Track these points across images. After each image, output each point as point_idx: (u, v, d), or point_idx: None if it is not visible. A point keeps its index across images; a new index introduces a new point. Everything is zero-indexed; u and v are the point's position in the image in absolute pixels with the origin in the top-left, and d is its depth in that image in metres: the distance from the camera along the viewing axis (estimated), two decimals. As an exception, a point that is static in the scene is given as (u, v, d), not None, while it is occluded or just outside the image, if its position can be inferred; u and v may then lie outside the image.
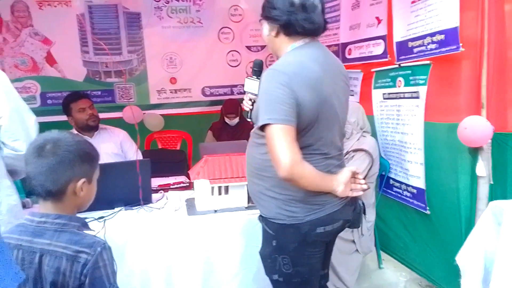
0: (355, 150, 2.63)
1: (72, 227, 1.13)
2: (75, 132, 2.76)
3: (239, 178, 1.98)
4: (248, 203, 2.02)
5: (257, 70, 1.68)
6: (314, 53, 1.46)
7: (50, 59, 3.72)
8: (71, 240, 1.10)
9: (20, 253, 1.10)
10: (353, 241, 2.59)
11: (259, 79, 1.61)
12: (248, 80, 1.69)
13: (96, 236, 1.18)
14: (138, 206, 2.07)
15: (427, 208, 2.40)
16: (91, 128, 2.75)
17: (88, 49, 3.80)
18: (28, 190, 1.15)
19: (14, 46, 3.62)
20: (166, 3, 3.92)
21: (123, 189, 2.07)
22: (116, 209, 2.05)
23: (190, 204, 2.08)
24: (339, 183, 1.46)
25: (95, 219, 1.94)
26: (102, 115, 3.32)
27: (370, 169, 2.59)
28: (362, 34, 2.94)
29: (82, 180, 1.14)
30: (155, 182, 3.34)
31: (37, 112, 3.76)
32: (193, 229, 1.91)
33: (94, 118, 2.76)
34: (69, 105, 2.73)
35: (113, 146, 2.84)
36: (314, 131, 1.43)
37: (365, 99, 2.95)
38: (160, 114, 3.97)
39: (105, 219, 1.91)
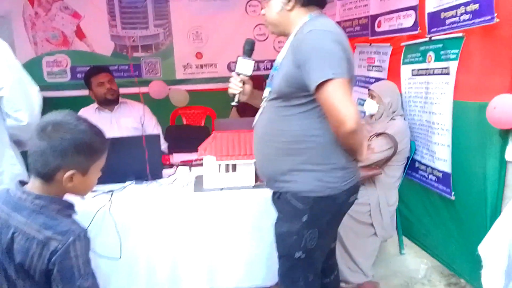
0: (378, 134, 2.50)
1: (51, 210, 1.09)
2: (96, 106, 2.80)
3: (247, 155, 1.92)
4: (255, 181, 1.97)
5: (250, 49, 1.63)
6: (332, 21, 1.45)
7: (80, 33, 3.78)
8: (45, 224, 1.06)
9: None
10: (371, 225, 2.49)
11: (252, 59, 1.62)
12: (241, 60, 1.60)
13: (75, 223, 1.13)
14: (147, 181, 2.08)
15: (452, 193, 2.24)
16: (110, 102, 2.77)
17: (116, 23, 3.81)
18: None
19: (46, 20, 3.70)
20: (194, -25, 3.84)
21: (134, 163, 2.08)
22: (126, 183, 2.07)
23: (199, 181, 2.06)
24: (365, 144, 1.49)
25: (104, 192, 1.96)
26: (128, 90, 3.36)
27: (393, 154, 2.45)
28: (392, 4, 2.73)
29: (71, 171, 1.09)
30: (178, 158, 3.35)
31: (68, 86, 3.89)
32: (198, 206, 1.89)
33: (112, 92, 2.76)
34: (89, 79, 2.76)
35: (133, 121, 2.85)
36: None
37: (394, 76, 2.78)
38: (186, 90, 3.96)
39: (112, 193, 1.93)
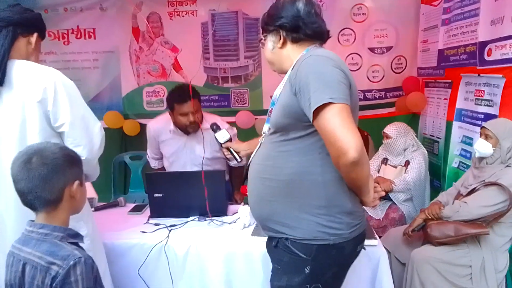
0: (488, 184, 2.07)
1: (54, 238, 1.11)
2: (172, 127, 2.58)
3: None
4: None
5: (216, 127, 1.95)
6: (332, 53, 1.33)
7: (177, 66, 4.00)
8: (47, 251, 1.08)
9: (13, 260, 1.13)
10: (471, 291, 2.05)
11: (222, 129, 1.94)
12: (217, 135, 1.90)
13: (78, 249, 1.13)
14: (208, 219, 2.00)
15: None
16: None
17: (209, 56, 3.95)
18: (26, 205, 1.15)
19: (148, 54, 4.00)
20: (285, 6, 3.81)
21: (199, 199, 2.02)
22: (190, 218, 2.02)
23: (260, 223, 1.91)
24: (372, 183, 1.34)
25: (166, 226, 1.94)
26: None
27: (507, 210, 2.00)
28: (506, 30, 2.30)
29: (77, 182, 1.16)
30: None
31: (163, 114, 4.07)
32: (255, 252, 1.74)
33: (194, 125, 2.47)
34: (173, 104, 2.50)
35: (208, 149, 2.43)
36: None
37: (507, 112, 2.32)
38: (272, 120, 3.89)
39: (171, 229, 1.89)
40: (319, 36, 1.40)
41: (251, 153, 1.83)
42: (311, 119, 1.20)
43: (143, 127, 4.10)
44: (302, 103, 1.22)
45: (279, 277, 1.36)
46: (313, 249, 1.28)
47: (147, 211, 2.16)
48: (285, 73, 1.41)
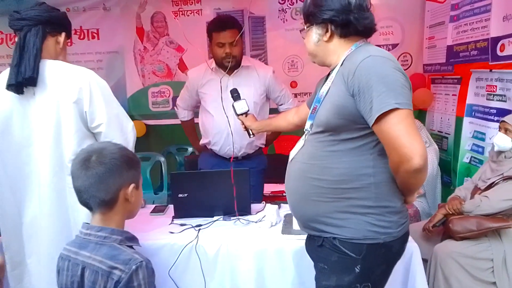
0: (507, 178, 2.11)
1: (113, 241, 1.10)
2: (213, 65, 2.39)
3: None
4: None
5: (237, 95, 1.96)
6: None
7: (182, 66, 3.97)
8: (107, 255, 1.06)
9: (70, 264, 1.11)
10: (494, 284, 2.08)
11: (243, 99, 1.95)
12: (236, 104, 1.90)
13: (137, 253, 1.12)
14: (235, 218, 1.99)
15: None
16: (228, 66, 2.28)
17: (214, 55, 3.93)
18: (82, 204, 1.14)
19: (153, 54, 3.96)
20: (291, 4, 3.82)
21: (224, 198, 2.01)
22: (215, 218, 2.01)
23: (288, 221, 1.91)
24: None
25: (192, 226, 1.92)
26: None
27: None
28: (519, 24, 2.34)
29: (132, 185, 1.13)
30: (269, 188, 3.25)
31: (169, 115, 4.07)
32: (286, 249, 1.74)
33: (230, 59, 2.22)
34: (211, 32, 2.29)
35: (253, 92, 2.34)
36: None
37: (522, 107, 2.35)
38: (279, 119, 3.88)
39: (199, 229, 1.87)
40: (369, 32, 1.37)
41: (262, 133, 2.00)
42: (371, 123, 1.19)
43: (149, 128, 4.08)
44: (362, 106, 1.20)
45: (327, 276, 1.34)
46: (363, 248, 1.28)
47: (169, 212, 2.15)
48: (327, 66, 1.40)
